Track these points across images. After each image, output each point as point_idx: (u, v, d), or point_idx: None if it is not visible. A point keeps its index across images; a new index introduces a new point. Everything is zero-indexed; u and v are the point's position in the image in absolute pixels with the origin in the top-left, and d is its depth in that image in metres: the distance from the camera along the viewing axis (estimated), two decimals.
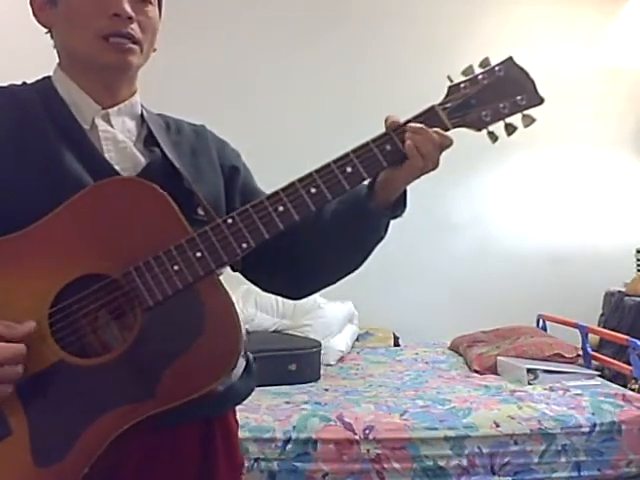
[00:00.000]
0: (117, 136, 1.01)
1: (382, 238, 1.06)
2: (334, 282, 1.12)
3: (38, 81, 1.04)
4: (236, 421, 1.12)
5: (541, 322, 3.56)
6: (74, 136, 0.97)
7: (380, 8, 3.97)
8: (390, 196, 1.00)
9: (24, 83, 1.04)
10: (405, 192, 1.02)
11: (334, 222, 1.04)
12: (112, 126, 1.02)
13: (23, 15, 1.04)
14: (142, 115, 1.07)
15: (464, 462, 2.16)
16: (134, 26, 0.98)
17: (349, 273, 1.10)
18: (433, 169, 0.97)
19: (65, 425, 0.85)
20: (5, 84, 1.02)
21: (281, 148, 3.72)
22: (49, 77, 1.04)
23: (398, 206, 1.03)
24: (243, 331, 0.90)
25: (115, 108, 1.02)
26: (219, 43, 3.89)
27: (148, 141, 1.04)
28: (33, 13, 1.02)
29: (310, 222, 1.03)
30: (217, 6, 3.90)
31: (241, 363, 0.92)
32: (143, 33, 0.99)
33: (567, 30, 4.01)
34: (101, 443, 0.84)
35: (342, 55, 3.93)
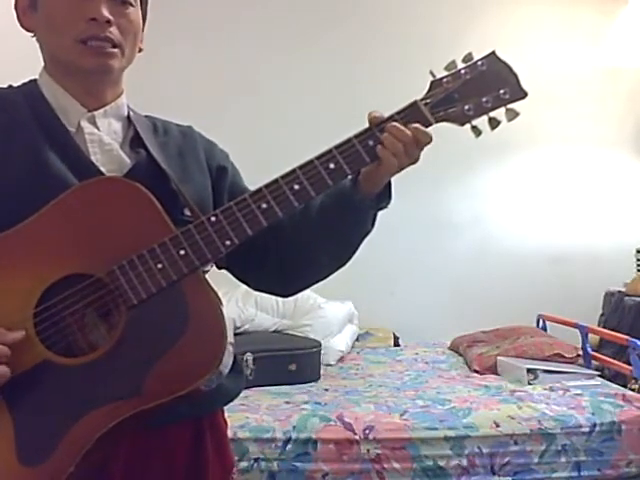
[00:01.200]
0: (103, 138, 1.01)
1: (369, 232, 1.06)
2: (323, 277, 1.13)
3: (24, 84, 1.05)
4: (225, 421, 1.12)
5: (541, 322, 3.56)
6: (60, 139, 0.98)
7: (380, 8, 3.97)
8: (374, 188, 1.00)
9: (10, 86, 1.05)
10: (390, 183, 1.02)
11: (320, 216, 1.04)
12: (98, 128, 1.02)
13: (10, 18, 1.04)
14: (129, 116, 1.08)
15: (464, 462, 2.15)
16: (112, 29, 0.97)
17: (338, 268, 1.10)
18: (412, 164, 0.97)
19: (50, 424, 0.85)
20: None
21: (281, 148, 3.72)
22: (35, 80, 1.04)
23: (383, 197, 1.03)
24: (228, 330, 0.90)
25: (101, 110, 1.03)
26: (219, 43, 3.89)
27: (134, 142, 1.05)
28: (17, 18, 1.03)
29: (297, 217, 1.04)
30: (217, 6, 3.90)
31: (228, 360, 0.92)
32: (123, 36, 0.99)
33: (567, 30, 4.00)
34: (87, 441, 0.84)
35: (342, 55, 3.93)
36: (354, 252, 1.08)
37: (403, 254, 3.85)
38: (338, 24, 3.93)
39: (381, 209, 1.04)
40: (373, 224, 1.05)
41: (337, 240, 1.06)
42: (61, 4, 0.97)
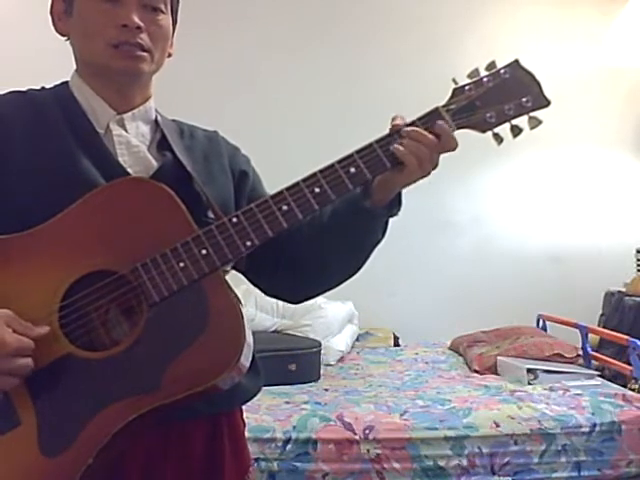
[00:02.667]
0: (131, 140, 1.04)
1: (380, 240, 1.06)
2: (333, 285, 1.13)
3: (56, 86, 1.08)
4: (243, 421, 1.13)
5: (541, 322, 3.56)
6: (89, 140, 1.01)
7: (380, 8, 3.97)
8: (386, 196, 1.01)
9: (43, 88, 1.08)
10: (400, 191, 1.02)
11: (331, 222, 1.05)
12: (126, 131, 1.04)
13: (40, 21, 1.06)
14: (156, 120, 1.10)
15: (464, 462, 2.16)
16: (143, 36, 1.00)
17: (349, 276, 1.10)
18: (432, 169, 0.98)
19: (71, 416, 0.88)
20: (24, 89, 1.06)
21: (282, 147, 3.73)
22: (67, 82, 1.07)
23: (394, 205, 1.03)
24: (247, 328, 0.91)
25: (129, 113, 1.05)
26: (219, 42, 3.89)
27: (161, 145, 1.07)
28: (52, 22, 1.06)
29: (309, 223, 1.05)
30: (216, 5, 3.90)
31: (248, 358, 0.92)
32: (153, 42, 1.02)
33: (567, 30, 4.01)
34: (105, 434, 0.85)
35: (342, 55, 3.93)
36: (364, 260, 1.08)
37: (403, 254, 3.84)
38: (338, 24, 3.93)
39: (391, 216, 1.05)
40: (384, 233, 1.06)
41: (347, 246, 1.06)
42: (94, 10, 1.00)
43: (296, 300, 1.21)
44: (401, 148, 0.94)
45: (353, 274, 1.10)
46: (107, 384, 0.88)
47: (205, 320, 0.89)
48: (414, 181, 0.98)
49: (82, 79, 1.05)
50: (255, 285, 1.17)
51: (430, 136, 0.95)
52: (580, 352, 2.93)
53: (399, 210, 1.05)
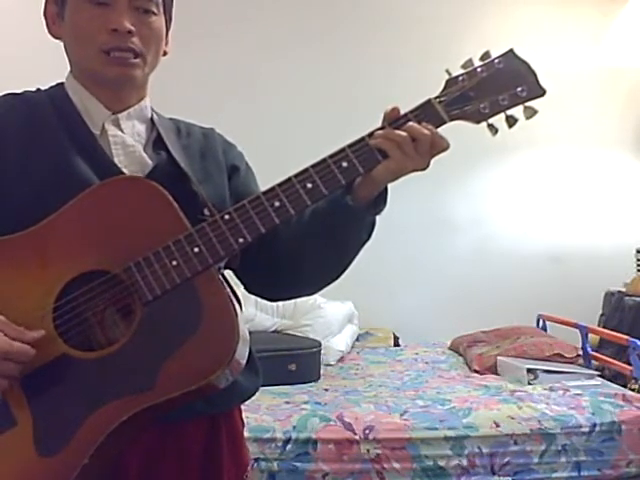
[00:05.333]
0: (126, 140, 1.03)
1: (365, 240, 1.04)
2: (317, 286, 1.12)
3: (52, 87, 1.08)
4: (242, 420, 1.13)
5: (541, 322, 3.56)
6: (84, 141, 1.00)
7: (380, 8, 3.97)
8: (371, 192, 0.99)
9: (38, 89, 1.07)
10: (386, 189, 1.01)
11: (311, 221, 1.03)
12: (122, 130, 1.04)
13: (35, 23, 1.06)
14: (152, 119, 1.09)
15: (464, 462, 2.16)
16: (135, 40, 0.99)
17: (333, 277, 1.08)
18: (423, 169, 0.95)
19: (66, 416, 0.88)
20: (20, 91, 1.06)
21: (282, 146, 3.73)
22: (62, 83, 1.07)
23: (379, 202, 1.01)
24: (241, 325, 0.91)
25: (125, 112, 1.05)
26: (219, 42, 3.89)
27: (157, 144, 1.06)
28: (46, 25, 1.06)
29: (291, 222, 1.02)
30: (216, 6, 3.90)
31: (244, 355, 0.92)
32: (145, 45, 1.01)
33: (567, 30, 4.01)
34: (100, 434, 0.85)
35: (342, 55, 3.94)
36: (349, 261, 1.06)
37: (403, 254, 3.85)
38: (338, 24, 3.93)
39: (376, 214, 1.03)
40: (370, 233, 1.04)
41: (328, 246, 1.04)
42: (85, 15, 0.99)
43: (277, 299, 1.21)
44: (380, 140, 0.93)
45: (337, 275, 1.08)
46: (101, 384, 0.88)
47: (198, 318, 0.89)
48: (397, 177, 0.96)
49: (76, 80, 1.05)
50: (240, 281, 1.15)
51: (425, 130, 0.93)
52: (580, 352, 2.93)
53: (384, 208, 1.02)
